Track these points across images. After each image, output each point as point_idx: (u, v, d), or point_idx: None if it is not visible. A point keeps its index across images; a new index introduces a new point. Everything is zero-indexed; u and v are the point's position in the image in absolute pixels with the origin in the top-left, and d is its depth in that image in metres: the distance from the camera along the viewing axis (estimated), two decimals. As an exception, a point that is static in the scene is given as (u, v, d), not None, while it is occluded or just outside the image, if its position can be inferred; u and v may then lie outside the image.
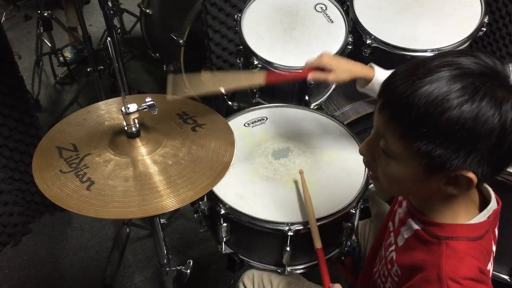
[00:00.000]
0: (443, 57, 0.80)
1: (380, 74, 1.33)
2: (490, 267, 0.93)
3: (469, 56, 0.78)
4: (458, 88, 0.75)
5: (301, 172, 1.36)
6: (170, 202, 1.00)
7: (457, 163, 0.77)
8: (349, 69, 1.34)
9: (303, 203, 1.31)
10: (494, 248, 0.96)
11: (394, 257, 1.00)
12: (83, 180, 1.05)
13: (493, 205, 0.92)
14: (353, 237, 1.42)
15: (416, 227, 0.94)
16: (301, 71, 1.34)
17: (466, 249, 0.86)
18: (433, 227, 0.90)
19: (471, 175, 0.79)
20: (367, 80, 1.35)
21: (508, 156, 0.79)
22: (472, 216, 0.90)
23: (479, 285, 0.85)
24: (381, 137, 0.85)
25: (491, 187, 0.95)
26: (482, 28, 1.72)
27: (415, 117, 0.77)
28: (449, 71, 0.77)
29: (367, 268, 1.21)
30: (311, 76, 1.32)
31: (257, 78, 1.34)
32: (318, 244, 1.22)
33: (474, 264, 0.85)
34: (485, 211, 0.90)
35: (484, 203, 0.93)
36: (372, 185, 1.38)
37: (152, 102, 1.10)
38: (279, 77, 1.35)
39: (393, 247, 1.02)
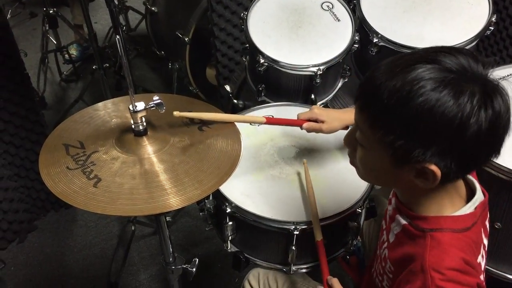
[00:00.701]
0: (418, 53, 0.82)
1: None
2: (481, 259, 0.93)
3: (445, 53, 0.79)
4: (422, 81, 0.76)
5: (304, 163, 1.38)
6: (176, 200, 1.00)
7: (418, 155, 0.79)
8: (339, 118, 1.36)
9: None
10: (485, 241, 0.97)
11: (386, 254, 1.01)
12: (90, 177, 1.05)
13: (478, 196, 0.93)
14: (358, 237, 1.41)
15: (403, 222, 0.95)
16: (296, 119, 1.38)
17: (451, 240, 0.87)
18: (419, 220, 0.92)
19: (434, 167, 0.80)
20: None
21: (473, 152, 0.80)
22: (457, 208, 0.91)
23: (464, 276, 0.85)
24: (358, 128, 0.90)
25: (499, 186, 0.96)
26: (490, 27, 1.71)
27: (379, 108, 0.80)
28: (423, 66, 0.78)
29: (370, 267, 1.21)
30: (306, 126, 1.35)
31: (258, 120, 1.38)
32: (318, 236, 1.23)
33: (459, 255, 0.86)
34: (470, 203, 0.92)
35: (470, 195, 0.94)
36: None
37: (159, 101, 1.10)
38: (278, 121, 1.41)
39: (385, 245, 1.03)
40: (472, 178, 0.96)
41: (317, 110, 1.36)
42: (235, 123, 1.25)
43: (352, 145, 0.95)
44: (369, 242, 1.50)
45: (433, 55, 0.79)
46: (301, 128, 1.35)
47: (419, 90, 0.76)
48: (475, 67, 0.78)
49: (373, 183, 0.98)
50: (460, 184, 0.95)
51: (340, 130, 1.52)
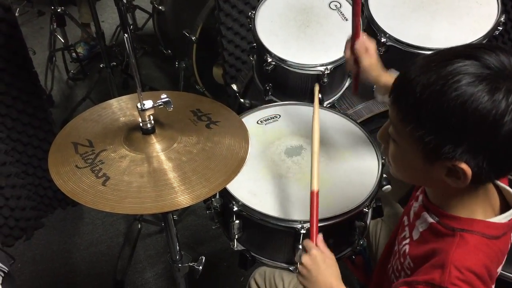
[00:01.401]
0: (455, 50, 0.81)
1: None
2: (499, 270, 0.93)
3: (486, 50, 0.78)
4: (458, 75, 0.75)
5: (315, 87, 1.39)
6: (184, 198, 1.00)
7: (448, 151, 0.78)
8: (379, 72, 1.32)
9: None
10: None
11: (407, 250, 1.00)
12: (99, 175, 1.05)
13: None
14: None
15: (431, 220, 0.95)
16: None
17: (479, 244, 0.87)
18: (449, 219, 0.91)
19: (464, 166, 0.79)
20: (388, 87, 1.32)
21: (507, 152, 0.78)
22: (489, 217, 0.89)
23: (479, 283, 0.85)
24: (391, 123, 0.89)
25: None
26: (499, 27, 1.70)
27: (411, 101, 0.80)
28: (461, 61, 0.77)
29: (380, 266, 1.21)
30: (359, 46, 1.31)
31: None
32: (315, 186, 1.15)
33: (483, 261, 0.86)
34: (506, 214, 0.90)
35: (506, 208, 0.92)
36: (386, 187, 1.38)
37: (167, 99, 1.10)
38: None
39: (407, 241, 1.02)
40: (510, 190, 0.94)
41: (374, 52, 1.32)
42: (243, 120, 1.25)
43: (385, 140, 0.95)
44: (376, 242, 1.50)
45: (473, 51, 0.78)
46: (355, 44, 1.31)
47: (454, 84, 0.75)
48: (507, 62, 0.76)
49: (406, 180, 0.96)
50: (494, 195, 0.93)
51: (346, 126, 1.51)
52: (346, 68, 1.42)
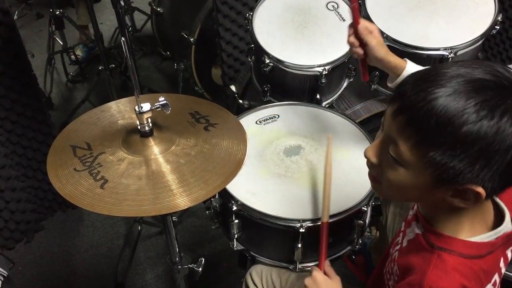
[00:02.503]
0: (461, 67, 0.79)
1: (411, 67, 1.29)
2: (490, 287, 0.91)
3: (485, 66, 0.77)
4: (479, 101, 0.74)
5: (329, 137, 1.38)
6: (183, 200, 1.00)
7: (470, 177, 0.77)
8: (386, 51, 1.32)
9: (315, 200, 1.32)
10: (503, 270, 0.94)
11: (396, 257, 1.01)
12: (97, 178, 1.05)
13: (504, 227, 0.90)
14: (365, 233, 1.41)
15: (417, 231, 0.94)
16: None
17: (456, 264, 0.85)
18: (432, 234, 0.90)
19: (480, 189, 0.78)
20: (400, 69, 1.30)
21: None
22: (475, 234, 0.88)
23: None
24: (392, 143, 0.83)
25: None
26: (496, 27, 1.71)
27: (434, 126, 0.76)
28: (468, 82, 0.76)
29: (380, 265, 1.21)
30: (362, 29, 1.31)
31: None
32: (325, 218, 1.21)
33: (459, 280, 0.84)
34: (492, 232, 0.88)
35: (498, 224, 0.91)
36: None
37: (165, 102, 1.10)
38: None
39: (398, 247, 1.03)
40: (504, 207, 0.93)
41: (378, 33, 1.32)
42: (240, 121, 1.25)
43: (378, 159, 0.90)
44: (392, 236, 1.49)
45: (473, 71, 0.77)
46: (358, 27, 1.31)
47: (477, 113, 0.74)
48: None
49: (394, 199, 0.94)
50: (489, 210, 0.92)
51: (344, 126, 1.52)
52: (353, 53, 1.38)
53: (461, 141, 0.75)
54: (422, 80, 0.80)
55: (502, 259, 0.93)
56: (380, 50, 1.31)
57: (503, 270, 0.94)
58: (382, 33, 1.70)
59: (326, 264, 1.16)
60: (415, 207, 1.00)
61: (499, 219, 0.91)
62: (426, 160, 0.79)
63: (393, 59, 1.31)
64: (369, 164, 0.93)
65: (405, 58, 1.33)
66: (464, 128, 0.74)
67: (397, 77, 1.31)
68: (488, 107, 0.73)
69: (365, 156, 0.92)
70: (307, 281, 1.13)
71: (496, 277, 0.92)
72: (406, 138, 0.80)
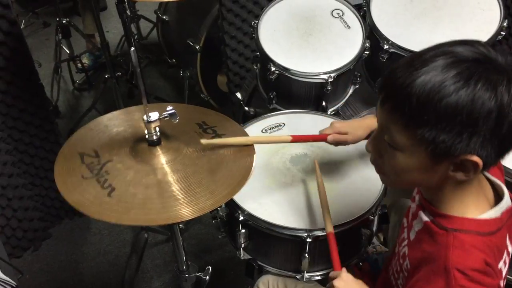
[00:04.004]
0: (439, 47, 0.84)
1: None
2: (502, 265, 0.93)
3: (464, 44, 0.82)
4: (453, 74, 0.78)
5: (315, 162, 1.38)
6: (189, 210, 1.01)
7: (461, 147, 0.80)
8: (361, 125, 1.36)
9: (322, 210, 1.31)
10: (510, 248, 0.96)
11: (406, 252, 1.01)
12: (104, 186, 1.06)
13: (505, 202, 0.93)
14: (373, 249, 1.40)
15: (425, 219, 0.95)
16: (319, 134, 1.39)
17: (473, 242, 0.87)
18: (442, 218, 0.91)
19: (476, 158, 0.81)
20: None
21: (510, 137, 0.81)
22: (482, 211, 0.91)
23: (485, 278, 0.86)
24: (385, 131, 0.88)
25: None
26: (502, 32, 1.71)
27: (415, 106, 0.80)
28: (444, 59, 0.80)
29: (385, 268, 1.20)
30: (331, 138, 1.35)
31: (284, 139, 1.39)
32: (329, 228, 1.21)
33: (481, 256, 0.86)
34: (497, 208, 0.91)
35: (498, 200, 0.93)
36: None
37: (173, 111, 1.11)
38: (303, 138, 1.42)
39: (405, 242, 1.03)
40: (501, 183, 0.96)
41: (338, 124, 1.36)
42: (246, 130, 1.26)
43: (377, 151, 0.94)
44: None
45: (451, 48, 0.82)
46: (326, 141, 1.35)
47: (453, 85, 0.77)
48: (495, 55, 0.80)
49: (403, 185, 0.97)
50: (487, 187, 0.95)
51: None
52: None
53: (443, 114, 0.79)
54: (402, 67, 0.84)
55: (508, 237, 0.95)
56: (359, 135, 1.35)
57: (510, 248, 0.96)
58: (387, 40, 1.71)
59: (344, 270, 1.12)
60: (417, 198, 1.02)
61: (497, 196, 0.95)
62: (417, 139, 0.83)
63: (373, 122, 1.31)
64: (372, 158, 0.97)
65: None
66: (443, 102, 0.78)
67: None
68: (463, 78, 0.78)
69: (366, 150, 0.97)
70: (336, 282, 1.07)
71: (505, 255, 0.94)
72: (395, 123, 0.85)
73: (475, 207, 0.91)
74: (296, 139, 1.37)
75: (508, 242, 0.95)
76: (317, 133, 1.53)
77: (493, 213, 0.91)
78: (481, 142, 0.80)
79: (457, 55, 0.80)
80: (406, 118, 0.83)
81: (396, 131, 0.86)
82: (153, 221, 1.03)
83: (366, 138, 1.36)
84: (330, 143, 1.35)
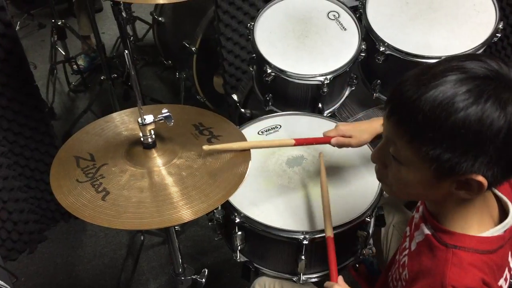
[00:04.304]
0: (449, 62, 0.81)
1: None
2: (503, 282, 0.92)
3: (474, 60, 0.79)
4: (463, 91, 0.76)
5: (320, 155, 1.37)
6: (184, 213, 1.01)
7: (466, 167, 0.78)
8: (367, 128, 1.34)
9: (318, 211, 1.31)
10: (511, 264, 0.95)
11: (406, 262, 1.00)
12: (99, 190, 1.06)
13: (510, 220, 0.91)
14: (369, 251, 1.40)
15: (427, 232, 0.94)
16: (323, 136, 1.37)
17: (472, 260, 0.86)
18: (443, 233, 0.91)
19: (481, 178, 0.79)
20: None
21: None
22: (484, 229, 0.89)
23: None
24: (391, 143, 0.87)
25: None
26: (497, 34, 1.71)
27: (422, 122, 0.78)
28: (455, 75, 0.78)
29: (385, 274, 1.20)
30: (335, 141, 1.33)
31: (287, 143, 1.37)
32: (329, 232, 1.20)
33: (478, 275, 0.85)
34: (500, 226, 0.90)
35: (503, 217, 0.92)
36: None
37: (168, 114, 1.11)
38: (306, 141, 1.39)
39: (406, 252, 1.02)
40: (508, 200, 0.94)
41: (343, 127, 1.35)
42: (242, 132, 1.25)
43: (382, 162, 0.93)
44: (387, 249, 1.49)
45: (462, 63, 0.79)
46: (330, 144, 1.34)
47: (462, 102, 0.75)
48: (507, 71, 0.78)
49: (404, 198, 0.96)
50: (493, 203, 0.93)
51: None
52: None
53: (449, 132, 0.76)
54: (412, 80, 0.82)
55: (510, 254, 0.94)
56: (364, 139, 1.34)
57: (511, 265, 0.95)
58: (383, 42, 1.71)
59: (340, 279, 1.13)
60: (421, 209, 1.01)
61: (503, 213, 0.93)
62: (422, 156, 0.81)
63: (379, 126, 1.32)
64: (377, 168, 0.96)
65: None
66: (451, 119, 0.76)
67: None
68: (473, 96, 0.75)
69: (372, 161, 0.96)
70: None
71: (507, 272, 0.93)
72: (401, 137, 0.83)
73: (477, 224, 0.89)
74: (300, 143, 1.35)
75: (510, 259, 0.94)
76: (314, 135, 1.53)
77: (496, 230, 0.89)
78: (487, 162, 0.77)
79: (468, 71, 0.77)
80: (411, 134, 0.81)
81: (401, 145, 0.84)
82: (146, 225, 1.03)
83: (371, 142, 1.36)
84: (334, 146, 1.34)
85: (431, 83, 0.78)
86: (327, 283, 1.11)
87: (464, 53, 1.66)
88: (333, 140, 1.33)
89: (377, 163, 0.95)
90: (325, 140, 1.35)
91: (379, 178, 0.98)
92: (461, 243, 0.88)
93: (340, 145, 1.34)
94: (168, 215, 1.00)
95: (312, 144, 1.44)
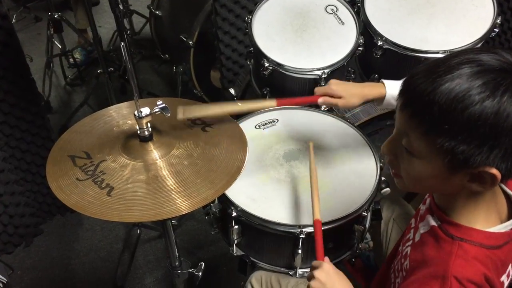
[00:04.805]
0: (464, 54, 0.80)
1: (392, 89, 1.34)
2: (505, 278, 0.92)
3: (489, 52, 0.79)
4: (479, 84, 0.75)
5: (309, 143, 1.36)
6: (191, 202, 1.01)
7: (480, 159, 0.78)
8: (358, 93, 1.35)
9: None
10: None
11: (408, 252, 1.00)
12: (102, 186, 1.05)
13: None
14: (366, 245, 1.40)
15: (433, 223, 0.94)
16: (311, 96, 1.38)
17: (477, 254, 0.86)
18: (450, 225, 0.90)
19: (494, 171, 0.79)
20: (381, 98, 1.36)
21: None
22: (490, 225, 0.89)
23: None
24: (404, 136, 0.86)
25: None
26: (495, 29, 1.71)
27: (437, 114, 0.78)
28: (470, 67, 0.77)
29: (386, 265, 1.20)
30: (322, 100, 1.34)
31: (269, 103, 1.37)
32: (317, 215, 1.18)
33: (481, 269, 0.85)
34: (507, 223, 0.90)
35: (511, 215, 0.92)
36: (385, 190, 1.38)
37: (164, 105, 1.10)
38: (290, 101, 1.37)
39: (410, 242, 1.02)
40: None
41: (334, 86, 1.34)
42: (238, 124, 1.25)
43: (394, 154, 0.92)
44: (386, 242, 1.49)
45: (477, 56, 0.79)
46: (317, 103, 1.34)
47: (479, 95, 0.75)
48: None
49: (417, 191, 0.95)
50: (502, 200, 0.93)
51: (344, 130, 1.52)
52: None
53: (465, 125, 0.76)
54: (426, 72, 0.81)
55: None
56: (352, 102, 1.35)
57: None
58: (381, 36, 1.71)
59: (326, 259, 1.11)
60: (428, 201, 1.01)
61: (511, 209, 0.93)
62: (436, 148, 0.80)
63: (371, 92, 1.34)
64: (387, 160, 0.95)
65: (381, 80, 1.37)
66: (467, 112, 0.75)
67: (382, 101, 1.37)
68: (489, 89, 0.75)
69: (382, 153, 0.95)
70: (317, 272, 1.05)
71: (510, 268, 0.93)
72: (414, 129, 0.83)
73: (485, 219, 0.89)
74: (282, 104, 1.35)
75: None
76: (311, 129, 1.54)
77: (503, 227, 0.89)
78: (502, 155, 0.77)
79: (483, 63, 0.77)
80: (426, 126, 0.81)
81: (414, 138, 0.84)
82: (157, 216, 1.01)
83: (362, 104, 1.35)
84: (321, 105, 1.34)
85: (446, 76, 0.78)
86: (315, 262, 1.10)
87: (462, 47, 1.65)
88: (320, 100, 1.33)
89: (389, 155, 0.94)
90: (312, 99, 1.35)
91: (393, 173, 0.97)
92: (467, 236, 0.87)
93: (327, 105, 1.35)
94: (176, 205, 1.00)
95: (297, 104, 1.42)
